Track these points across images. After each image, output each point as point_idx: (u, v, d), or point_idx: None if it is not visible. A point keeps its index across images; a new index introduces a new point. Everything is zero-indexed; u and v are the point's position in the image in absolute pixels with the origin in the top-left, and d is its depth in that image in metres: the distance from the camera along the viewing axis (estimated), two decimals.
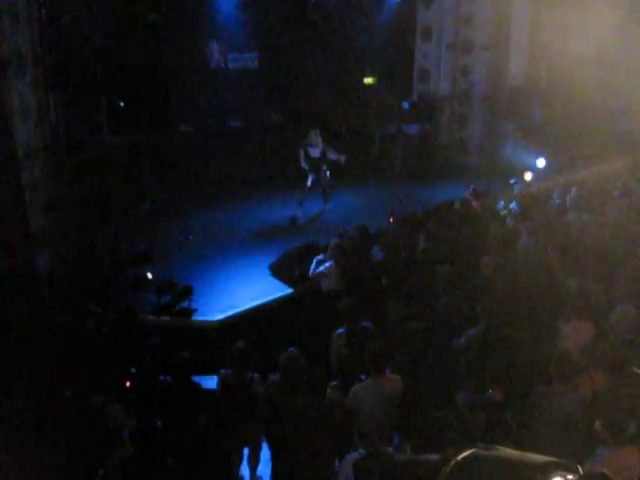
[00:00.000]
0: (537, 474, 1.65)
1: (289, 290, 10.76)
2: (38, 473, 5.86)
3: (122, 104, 9.70)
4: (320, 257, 10.23)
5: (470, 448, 1.92)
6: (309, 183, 14.23)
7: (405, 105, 17.93)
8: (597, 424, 5.38)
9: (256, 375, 6.86)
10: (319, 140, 14.12)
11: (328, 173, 14.26)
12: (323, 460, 5.95)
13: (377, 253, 10.39)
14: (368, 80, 18.99)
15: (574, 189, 12.56)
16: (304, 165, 14.16)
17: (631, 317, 7.59)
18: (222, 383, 6.90)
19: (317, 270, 10.09)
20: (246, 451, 7.19)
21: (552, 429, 5.99)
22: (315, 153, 14.10)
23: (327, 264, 9.98)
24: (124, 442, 6.51)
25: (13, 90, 9.35)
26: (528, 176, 14.08)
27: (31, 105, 9.68)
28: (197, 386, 6.78)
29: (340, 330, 7.59)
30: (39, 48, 9.24)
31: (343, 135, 18.75)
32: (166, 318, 9.67)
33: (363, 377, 6.76)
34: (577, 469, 1.67)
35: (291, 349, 6.59)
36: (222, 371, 6.94)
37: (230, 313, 9.86)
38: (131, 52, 14.55)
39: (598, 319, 7.74)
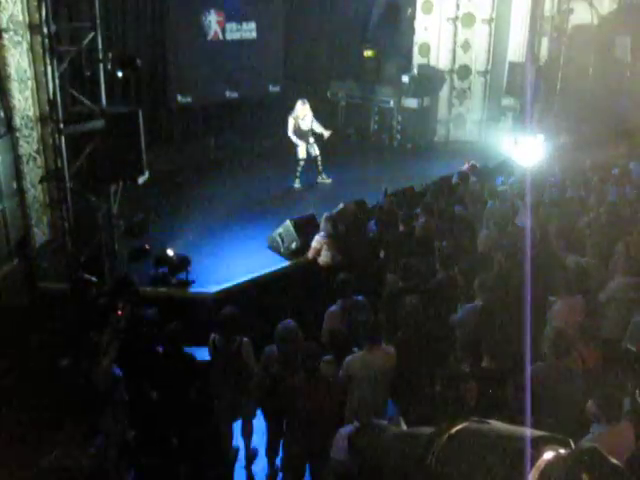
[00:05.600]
0: (530, 447, 1.66)
1: (286, 263, 10.78)
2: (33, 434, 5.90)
3: (120, 74, 9.59)
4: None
5: (463, 421, 1.93)
6: (300, 155, 14.22)
7: (404, 78, 17.81)
8: (590, 402, 5.42)
9: (245, 339, 6.86)
10: (307, 110, 14.10)
11: (315, 146, 14.28)
12: (319, 432, 6.00)
13: (374, 227, 10.38)
14: (368, 53, 18.84)
15: (573, 166, 12.55)
16: (291, 135, 14.12)
17: (624, 294, 7.61)
18: (212, 347, 6.93)
19: (312, 243, 10.10)
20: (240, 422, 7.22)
21: (547, 405, 6.04)
22: (304, 125, 14.09)
23: (319, 237, 9.97)
24: (121, 394, 6.45)
25: (10, 59, 9.27)
26: None
27: (28, 74, 9.60)
28: (189, 356, 6.79)
29: (333, 305, 7.57)
30: (37, 16, 9.12)
31: (340, 107, 18.72)
32: (163, 289, 9.71)
33: (356, 349, 6.78)
34: (570, 444, 1.68)
35: (288, 320, 6.61)
36: (212, 335, 6.96)
37: (226, 285, 9.87)
38: (130, 22, 14.42)
39: (593, 296, 7.76)
